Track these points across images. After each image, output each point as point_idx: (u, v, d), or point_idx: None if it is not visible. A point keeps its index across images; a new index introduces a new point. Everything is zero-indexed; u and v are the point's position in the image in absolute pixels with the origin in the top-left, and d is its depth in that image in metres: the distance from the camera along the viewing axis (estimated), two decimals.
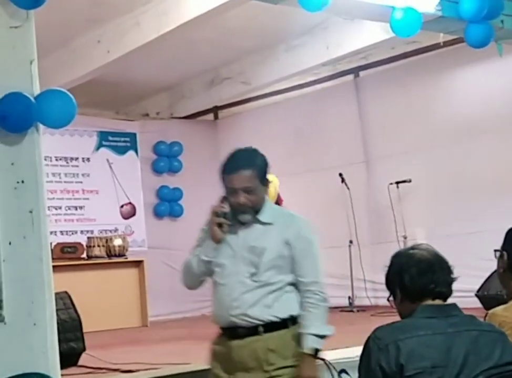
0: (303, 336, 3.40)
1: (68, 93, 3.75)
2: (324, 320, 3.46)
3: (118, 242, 9.51)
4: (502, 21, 6.29)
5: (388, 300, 2.87)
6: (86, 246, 9.43)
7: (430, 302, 2.71)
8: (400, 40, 7.77)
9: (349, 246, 9.49)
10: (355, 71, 10.15)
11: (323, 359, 3.50)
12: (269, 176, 3.57)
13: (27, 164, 3.58)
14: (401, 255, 2.82)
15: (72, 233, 10.11)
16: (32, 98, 3.57)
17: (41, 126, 3.68)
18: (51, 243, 4.64)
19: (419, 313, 2.66)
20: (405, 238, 8.85)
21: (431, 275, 2.71)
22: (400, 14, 5.76)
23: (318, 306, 3.44)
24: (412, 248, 2.84)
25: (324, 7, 5.37)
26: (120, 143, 10.84)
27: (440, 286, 2.72)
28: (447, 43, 7.38)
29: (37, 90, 3.66)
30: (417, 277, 2.71)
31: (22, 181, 3.54)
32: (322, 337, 3.41)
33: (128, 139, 10.93)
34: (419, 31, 5.94)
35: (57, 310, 3.88)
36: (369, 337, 2.62)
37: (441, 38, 6.54)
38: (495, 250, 3.12)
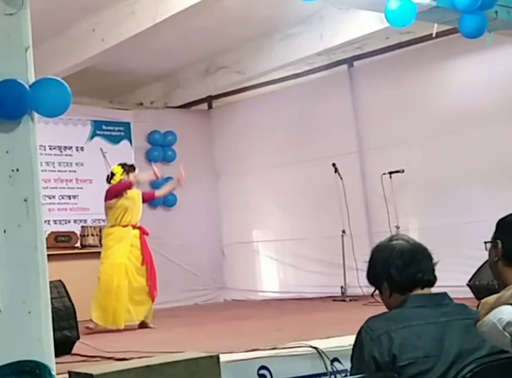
0: None
1: (63, 81, 3.74)
2: None
3: None
4: (496, 12, 6.30)
5: (372, 295, 2.85)
6: (80, 235, 9.42)
7: (419, 291, 2.71)
8: (395, 30, 7.78)
9: (342, 236, 9.49)
10: (349, 61, 10.12)
11: (315, 348, 3.52)
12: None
13: (22, 152, 3.57)
14: (382, 249, 2.81)
15: (66, 223, 10.10)
16: (27, 86, 3.56)
17: (35, 115, 3.67)
18: (45, 232, 4.64)
19: (410, 303, 2.66)
20: (398, 228, 8.78)
21: (416, 264, 2.72)
22: (395, 4, 5.76)
23: None
24: (391, 239, 2.83)
25: None
26: (114, 132, 10.81)
27: (427, 274, 2.73)
28: (441, 34, 7.38)
29: (32, 78, 3.64)
30: (404, 268, 2.71)
31: (17, 170, 3.53)
32: None
33: (121, 128, 10.90)
34: (414, 22, 5.94)
35: (51, 299, 3.87)
36: (361, 328, 2.62)
37: (435, 29, 6.54)
38: (485, 242, 3.10)
